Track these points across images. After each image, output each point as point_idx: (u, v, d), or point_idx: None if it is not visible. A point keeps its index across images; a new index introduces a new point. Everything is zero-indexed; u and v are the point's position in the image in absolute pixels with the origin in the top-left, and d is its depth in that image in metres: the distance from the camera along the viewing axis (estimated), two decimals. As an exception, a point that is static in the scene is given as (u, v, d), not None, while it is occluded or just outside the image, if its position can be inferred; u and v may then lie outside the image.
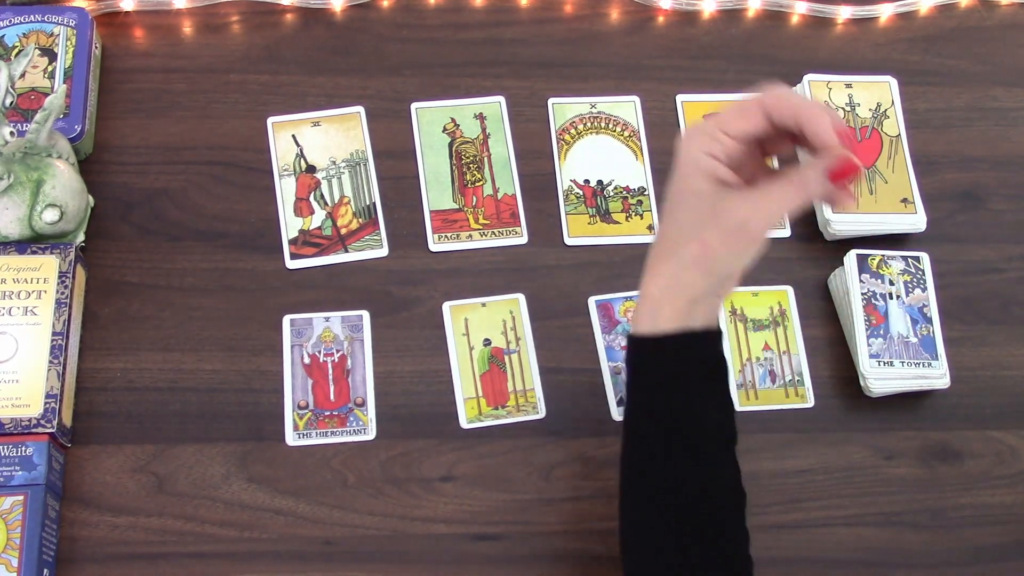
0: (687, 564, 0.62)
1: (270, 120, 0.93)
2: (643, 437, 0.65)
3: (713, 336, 0.64)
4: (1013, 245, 0.94)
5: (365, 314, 0.87)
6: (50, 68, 0.90)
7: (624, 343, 0.87)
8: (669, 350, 0.63)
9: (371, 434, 0.83)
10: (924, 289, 0.88)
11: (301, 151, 0.92)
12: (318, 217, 0.90)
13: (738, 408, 0.86)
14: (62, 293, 0.81)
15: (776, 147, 0.63)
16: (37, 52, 0.90)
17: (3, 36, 0.91)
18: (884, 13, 1.02)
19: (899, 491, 0.84)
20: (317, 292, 0.87)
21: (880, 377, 0.84)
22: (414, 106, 0.94)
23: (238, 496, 0.80)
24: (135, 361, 0.84)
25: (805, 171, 0.60)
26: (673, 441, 0.63)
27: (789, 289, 0.90)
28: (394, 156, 0.92)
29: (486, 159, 0.93)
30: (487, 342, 0.86)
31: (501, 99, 0.95)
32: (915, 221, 0.91)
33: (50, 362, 0.79)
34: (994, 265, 0.93)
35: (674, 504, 0.63)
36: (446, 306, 0.87)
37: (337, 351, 0.85)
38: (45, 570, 0.74)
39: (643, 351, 0.64)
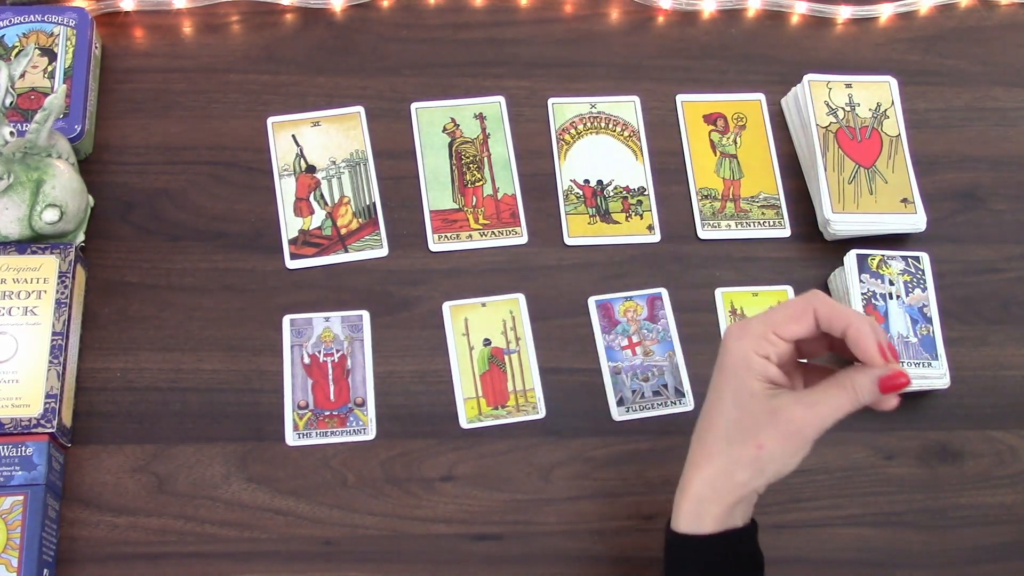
0: None
1: (270, 120, 0.93)
2: None
3: (752, 531, 0.65)
4: (1013, 245, 0.94)
5: (365, 314, 0.87)
6: (50, 68, 0.90)
7: (623, 343, 0.87)
8: (711, 550, 0.64)
9: (371, 434, 0.83)
10: (924, 289, 0.88)
11: (301, 151, 0.92)
12: (318, 217, 0.90)
13: (738, 408, 0.86)
14: (62, 293, 0.81)
15: (812, 349, 0.65)
16: (37, 52, 0.90)
17: (3, 36, 0.91)
18: (884, 13, 1.02)
19: (899, 491, 0.84)
20: (317, 292, 0.87)
21: (880, 377, 0.84)
22: (414, 106, 0.94)
23: (238, 496, 0.80)
24: (135, 361, 0.84)
25: (857, 377, 0.61)
26: None
27: (789, 289, 0.90)
28: (394, 156, 0.92)
29: (486, 159, 0.93)
30: (487, 342, 0.86)
31: (501, 99, 0.95)
32: (915, 221, 0.91)
33: (50, 362, 0.79)
34: (994, 265, 0.93)
35: None
36: (446, 306, 0.87)
37: (337, 351, 0.85)
38: (45, 570, 0.74)
39: (684, 548, 0.65)
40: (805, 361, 0.66)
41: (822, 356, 0.66)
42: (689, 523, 0.64)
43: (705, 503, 0.63)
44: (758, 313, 0.64)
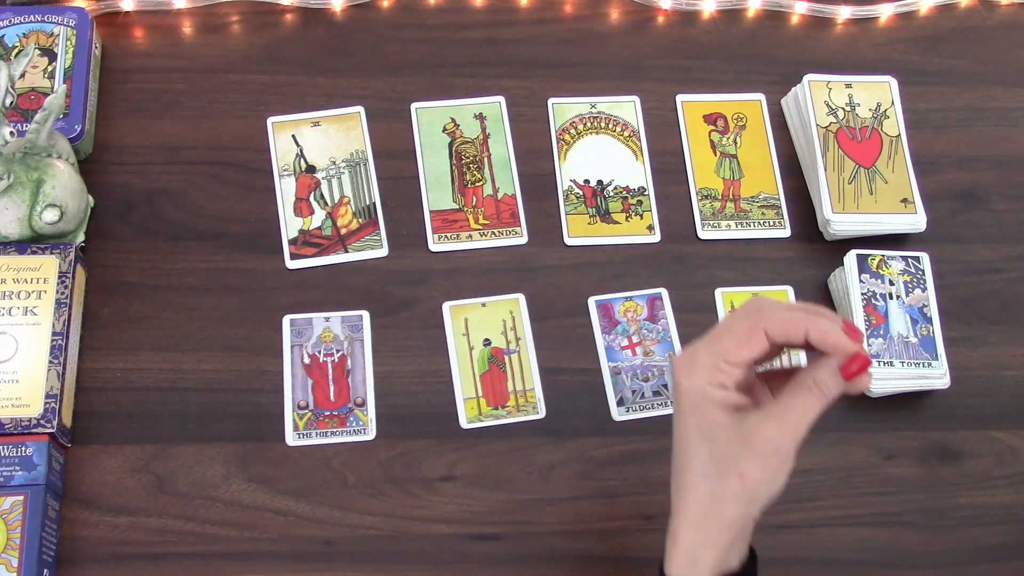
0: None
1: (270, 120, 0.93)
2: None
3: (750, 569, 0.62)
4: (1013, 245, 0.94)
5: (365, 314, 0.87)
6: (50, 68, 0.90)
7: (623, 343, 0.87)
8: None
9: (371, 434, 0.83)
10: (924, 289, 0.88)
11: (301, 151, 0.92)
12: (318, 217, 0.90)
13: (738, 408, 0.86)
14: (62, 293, 0.81)
15: (766, 356, 0.61)
16: (37, 52, 0.90)
17: (3, 36, 0.91)
18: (884, 13, 1.02)
19: (899, 491, 0.84)
20: (317, 292, 0.87)
21: (880, 377, 0.84)
22: (414, 106, 0.94)
23: (238, 496, 0.80)
24: (135, 361, 0.84)
25: (818, 374, 0.59)
26: None
27: (789, 289, 0.90)
28: (394, 156, 0.92)
29: (486, 159, 0.93)
30: (487, 342, 0.86)
31: (501, 99, 0.95)
32: (915, 221, 0.91)
33: (50, 362, 0.79)
34: (994, 265, 0.93)
35: None
36: (446, 306, 0.87)
37: (337, 351, 0.85)
38: (45, 570, 0.74)
39: None
40: (762, 369, 0.63)
41: (773, 359, 0.62)
42: (683, 570, 0.60)
43: (699, 551, 0.60)
44: (702, 340, 0.61)
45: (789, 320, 0.59)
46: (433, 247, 0.89)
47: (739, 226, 0.92)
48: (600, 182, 0.93)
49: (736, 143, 0.96)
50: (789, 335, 0.59)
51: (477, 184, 0.92)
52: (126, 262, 0.87)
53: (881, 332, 0.85)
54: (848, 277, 0.87)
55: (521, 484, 0.82)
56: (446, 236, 0.90)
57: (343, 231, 0.89)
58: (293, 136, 0.92)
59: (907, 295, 0.87)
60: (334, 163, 0.92)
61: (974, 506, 0.84)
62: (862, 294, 0.86)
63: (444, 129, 0.94)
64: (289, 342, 0.85)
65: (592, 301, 0.89)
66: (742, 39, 1.00)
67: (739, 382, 0.60)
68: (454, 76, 0.96)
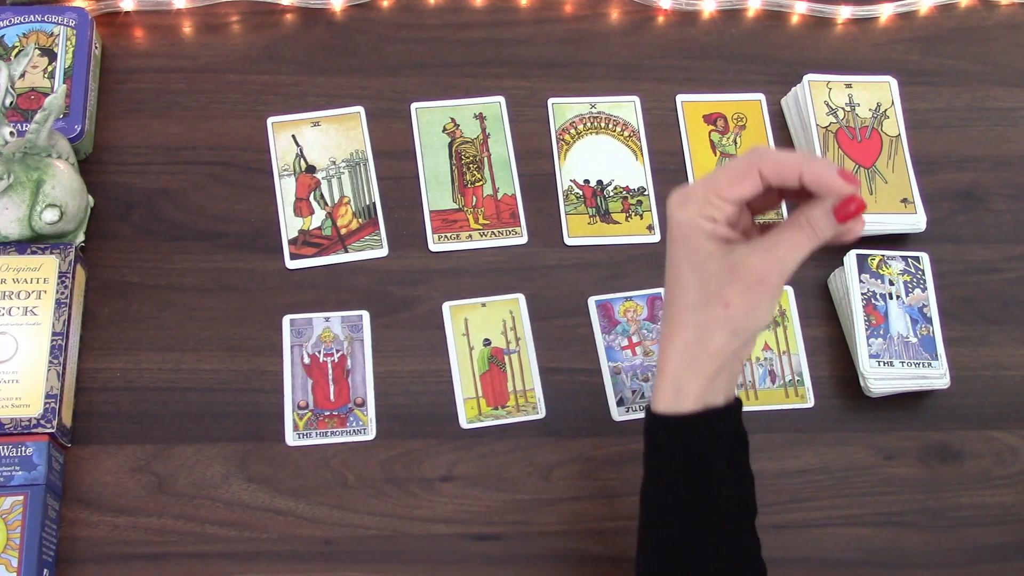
0: None
1: (270, 120, 0.93)
2: (662, 512, 0.63)
3: (735, 410, 0.63)
4: (1013, 245, 0.94)
5: (365, 314, 0.87)
6: (50, 68, 0.90)
7: (623, 343, 0.87)
8: (693, 430, 0.62)
9: (371, 434, 0.83)
10: (924, 289, 0.88)
11: (301, 151, 0.92)
12: (318, 217, 0.90)
13: (738, 408, 0.86)
14: (62, 293, 0.81)
15: (763, 205, 0.63)
16: (37, 52, 0.90)
17: (3, 36, 0.91)
18: (884, 13, 1.02)
19: (899, 491, 0.84)
20: (317, 292, 0.87)
21: (880, 377, 0.84)
22: (414, 106, 0.94)
23: (238, 496, 0.80)
24: (135, 361, 0.84)
25: (812, 213, 0.59)
26: (693, 517, 0.62)
27: (789, 289, 0.90)
28: (394, 156, 0.92)
29: (486, 159, 0.93)
30: (487, 342, 0.86)
31: (501, 99, 0.95)
32: (915, 221, 0.91)
33: (50, 362, 0.79)
34: (994, 265, 0.93)
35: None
36: (446, 306, 0.87)
37: (337, 351, 0.85)
38: (45, 570, 0.74)
39: (665, 430, 0.63)
40: (761, 221, 0.64)
41: (775, 208, 0.64)
42: (668, 402, 0.62)
43: (683, 379, 0.61)
44: (700, 177, 0.61)
45: (784, 160, 0.59)
46: (433, 247, 0.89)
47: (739, 226, 0.92)
48: (600, 182, 0.93)
49: (736, 143, 0.96)
50: (783, 175, 0.59)
51: (477, 184, 0.92)
52: (126, 262, 0.87)
53: (881, 332, 0.85)
54: (848, 277, 0.87)
55: (521, 484, 0.82)
56: (446, 236, 0.90)
57: (343, 231, 0.89)
58: (293, 136, 0.92)
59: (907, 295, 0.87)
60: (334, 163, 0.92)
61: (974, 506, 0.84)
62: (862, 294, 0.86)
63: (444, 129, 0.94)
64: (289, 342, 0.85)
65: (592, 301, 0.89)
66: (742, 39, 1.00)
67: (731, 219, 0.60)
68: (454, 76, 0.96)
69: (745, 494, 0.63)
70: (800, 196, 0.60)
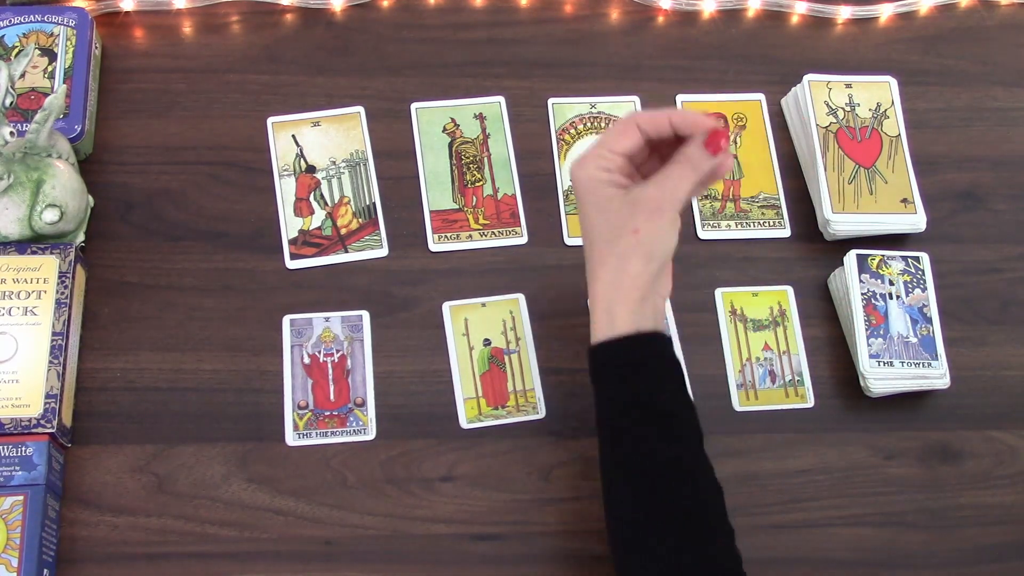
0: (675, 551, 0.66)
1: (270, 120, 0.93)
2: (618, 434, 0.70)
3: (665, 338, 0.71)
4: (1013, 245, 0.94)
5: (365, 314, 0.87)
6: (50, 68, 0.90)
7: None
8: (629, 349, 0.70)
9: (371, 434, 0.83)
10: (924, 289, 0.88)
11: (301, 151, 0.92)
12: (318, 217, 0.90)
13: (738, 408, 0.86)
14: (62, 293, 0.81)
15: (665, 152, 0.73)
16: (37, 52, 0.90)
17: (3, 36, 0.91)
18: (884, 13, 1.02)
19: (899, 491, 0.84)
20: (317, 292, 0.87)
21: (880, 377, 0.84)
22: (414, 106, 0.94)
23: (238, 496, 0.80)
24: (135, 361, 0.84)
25: (688, 150, 0.70)
26: (648, 427, 0.69)
27: (789, 289, 0.90)
28: (394, 156, 0.92)
29: (486, 159, 0.93)
30: (487, 342, 0.86)
31: (501, 99, 0.95)
32: (915, 221, 0.91)
33: (50, 362, 0.79)
34: (994, 265, 0.93)
35: (659, 488, 0.67)
36: (446, 306, 0.87)
37: (337, 351, 0.85)
38: (45, 570, 0.74)
39: (604, 355, 0.71)
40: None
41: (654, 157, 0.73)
42: (603, 330, 0.70)
43: (614, 307, 0.70)
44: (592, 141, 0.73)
45: (655, 113, 0.71)
46: (433, 247, 0.89)
47: (739, 226, 0.92)
48: (600, 182, 0.93)
49: (736, 143, 0.96)
50: (657, 124, 0.71)
51: (477, 184, 0.92)
52: (126, 262, 0.87)
53: (881, 332, 0.85)
54: (848, 277, 0.87)
55: (521, 484, 0.82)
56: (446, 236, 0.90)
57: (343, 231, 0.89)
58: (293, 136, 0.92)
59: (907, 295, 0.87)
60: (334, 163, 0.92)
61: (974, 506, 0.84)
62: (862, 294, 0.86)
63: (444, 129, 0.94)
64: (289, 342, 0.85)
65: (592, 301, 0.88)
66: (742, 39, 1.00)
67: (622, 170, 0.71)
68: (454, 76, 0.96)
69: (690, 415, 0.70)
70: (673, 140, 0.72)
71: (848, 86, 0.95)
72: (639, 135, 0.71)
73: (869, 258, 0.88)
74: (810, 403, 0.86)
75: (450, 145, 0.93)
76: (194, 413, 0.82)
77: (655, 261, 0.70)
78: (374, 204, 0.90)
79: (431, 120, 0.94)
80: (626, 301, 0.70)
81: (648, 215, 0.69)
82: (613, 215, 0.70)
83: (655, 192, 0.70)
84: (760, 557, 0.80)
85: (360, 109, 0.93)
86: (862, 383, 0.86)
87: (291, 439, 0.82)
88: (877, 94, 0.95)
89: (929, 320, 0.86)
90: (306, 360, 0.85)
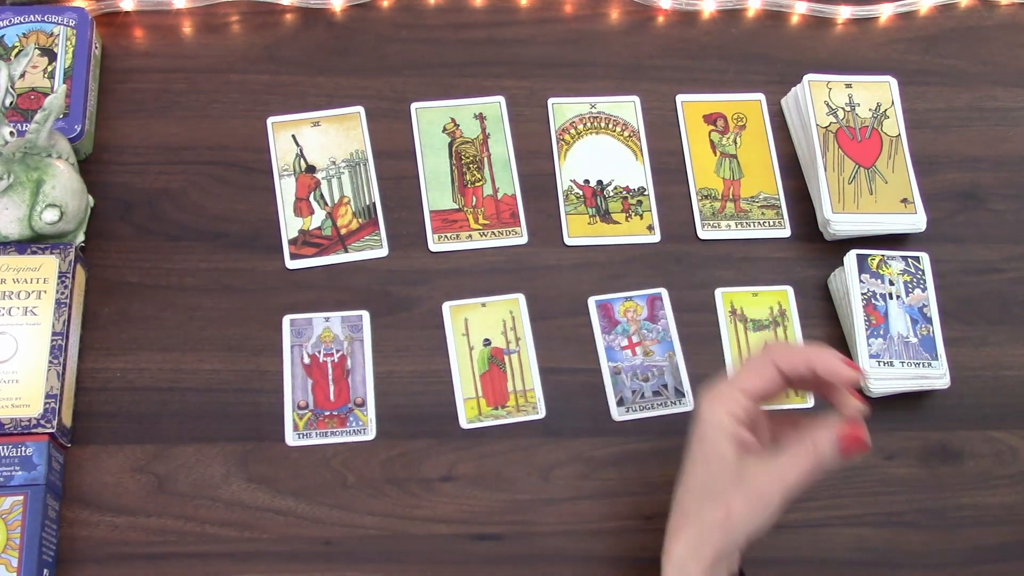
0: None
1: (270, 120, 0.93)
2: None
3: None
4: (1013, 245, 0.94)
5: (365, 314, 0.87)
6: (50, 68, 0.90)
7: (623, 343, 0.87)
8: None
9: (371, 434, 0.83)
10: (924, 289, 0.88)
11: (301, 151, 0.92)
12: (318, 217, 0.90)
13: (738, 408, 0.86)
14: (62, 293, 0.81)
15: (773, 393, 0.69)
16: (37, 52, 0.90)
17: (3, 36, 0.91)
18: (884, 13, 1.02)
19: (899, 491, 0.84)
20: (317, 292, 0.87)
21: (880, 377, 0.84)
22: (414, 106, 0.94)
23: (238, 496, 0.80)
24: (135, 361, 0.84)
25: (817, 434, 0.66)
26: None
27: (789, 289, 0.90)
28: (394, 156, 0.92)
29: (486, 159, 0.93)
30: (487, 342, 0.86)
31: (501, 99, 0.95)
32: (915, 221, 0.91)
33: (50, 362, 0.79)
34: (994, 265, 0.93)
35: None
36: (446, 306, 0.87)
37: (337, 351, 0.85)
38: (45, 570, 0.74)
39: None
40: (767, 407, 0.70)
41: (783, 395, 0.70)
42: None
43: (686, 564, 0.65)
44: (725, 378, 0.68)
45: (793, 352, 0.67)
46: (433, 247, 0.89)
47: (739, 226, 0.92)
48: (600, 182, 0.93)
49: (736, 143, 0.96)
50: (793, 362, 0.67)
51: (477, 184, 0.92)
52: (126, 262, 0.87)
53: (881, 332, 0.85)
54: (848, 277, 0.87)
55: (521, 484, 0.82)
56: (446, 236, 0.90)
57: (343, 231, 0.89)
58: (293, 136, 0.92)
59: (907, 295, 0.87)
60: (334, 163, 0.92)
61: (974, 506, 0.84)
62: (862, 294, 0.86)
63: (444, 129, 0.94)
64: (289, 342, 0.85)
65: (592, 301, 0.89)
66: (742, 39, 1.00)
67: (751, 414, 0.67)
68: (454, 76, 0.96)
69: None
70: (807, 385, 0.69)
71: (848, 86, 0.95)
72: (775, 374, 0.67)
73: (869, 258, 0.88)
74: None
75: (450, 145, 0.93)
76: (194, 413, 0.82)
77: (739, 536, 0.65)
78: (374, 204, 0.90)
79: (431, 120, 0.94)
80: (700, 563, 0.65)
81: (748, 500, 0.65)
82: (716, 476, 0.65)
83: (766, 479, 0.65)
84: (760, 557, 0.80)
85: (360, 109, 0.93)
86: (862, 383, 0.86)
87: (291, 439, 0.82)
88: (877, 94, 0.95)
89: (929, 320, 0.86)
90: (306, 360, 0.85)
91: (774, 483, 0.65)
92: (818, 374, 0.66)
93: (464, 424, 0.84)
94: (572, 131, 0.95)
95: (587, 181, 0.93)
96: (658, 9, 1.01)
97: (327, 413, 0.83)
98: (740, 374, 0.68)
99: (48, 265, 0.82)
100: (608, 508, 0.82)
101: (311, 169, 0.91)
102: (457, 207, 0.91)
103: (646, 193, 0.93)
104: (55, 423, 0.77)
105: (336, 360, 0.85)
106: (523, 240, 0.90)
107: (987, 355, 0.89)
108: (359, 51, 0.96)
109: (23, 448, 0.76)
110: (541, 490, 0.82)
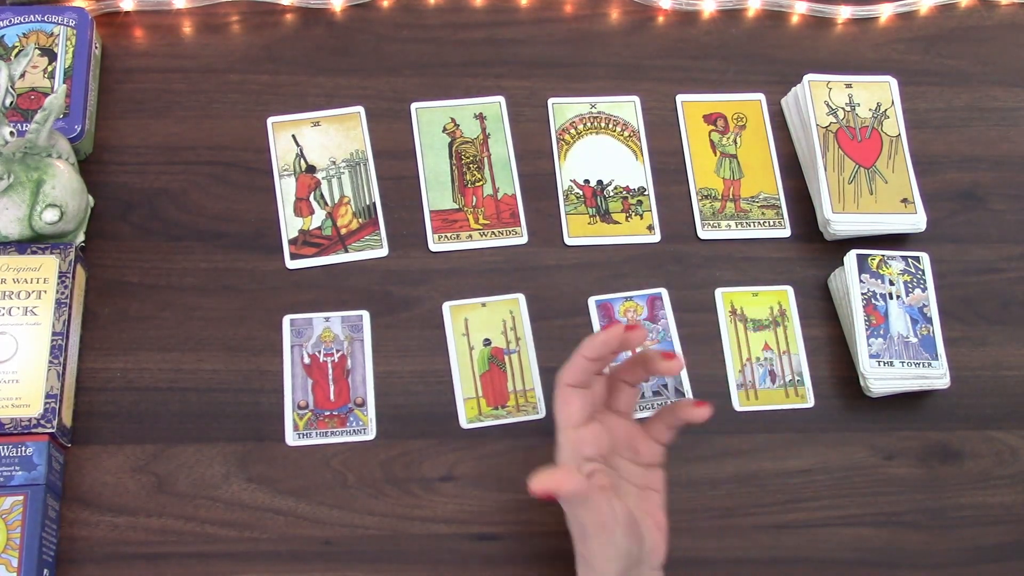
0: None
1: (270, 120, 0.93)
2: None
3: None
4: (1013, 245, 0.94)
5: (365, 314, 0.87)
6: (50, 68, 0.90)
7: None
8: None
9: (371, 434, 0.83)
10: (924, 289, 0.88)
11: (301, 151, 0.92)
12: (318, 217, 0.90)
13: (738, 408, 0.86)
14: (62, 293, 0.81)
15: (633, 377, 0.74)
16: (37, 52, 0.90)
17: (3, 36, 0.91)
18: (884, 13, 1.02)
19: (899, 491, 0.84)
20: (317, 292, 0.87)
21: (880, 377, 0.84)
22: (414, 106, 0.94)
23: (238, 496, 0.80)
24: (135, 361, 0.84)
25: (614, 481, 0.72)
26: None
27: (789, 289, 0.90)
28: (394, 156, 0.92)
29: (486, 159, 0.93)
30: (487, 342, 0.86)
31: (501, 99, 0.95)
32: (915, 221, 0.91)
33: (50, 362, 0.79)
34: (994, 265, 0.93)
35: None
36: (446, 306, 0.87)
37: (337, 351, 0.85)
38: (45, 570, 0.74)
39: None
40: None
41: (642, 378, 0.75)
42: None
43: None
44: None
45: (575, 361, 0.71)
46: (433, 247, 0.89)
47: (739, 226, 0.92)
48: (600, 182, 0.93)
49: (736, 143, 0.96)
50: (576, 375, 0.72)
51: (477, 184, 0.92)
52: (126, 262, 0.87)
53: (881, 332, 0.85)
54: (848, 277, 0.87)
55: (521, 484, 0.82)
56: (446, 236, 0.90)
57: (343, 231, 0.89)
58: (293, 136, 0.92)
59: (907, 295, 0.87)
60: (334, 163, 0.92)
61: (974, 506, 0.84)
62: (862, 294, 0.86)
63: (444, 129, 0.94)
64: (289, 342, 0.85)
65: (592, 301, 0.89)
66: (742, 39, 1.00)
67: (586, 407, 0.72)
68: (454, 76, 0.96)
69: None
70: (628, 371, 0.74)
71: (848, 86, 0.95)
72: (585, 363, 0.71)
73: (869, 258, 0.88)
74: (810, 403, 0.86)
75: (450, 145, 0.93)
76: (194, 413, 0.82)
77: (617, 565, 0.68)
78: (374, 204, 0.90)
79: (431, 120, 0.94)
80: None
81: (579, 537, 0.69)
82: (574, 523, 0.69)
83: (580, 518, 0.68)
84: (760, 557, 0.80)
85: (360, 109, 0.93)
86: (862, 383, 0.86)
87: (291, 439, 0.82)
88: (877, 94, 0.95)
89: (929, 320, 0.86)
90: (306, 360, 0.85)
91: (585, 520, 0.68)
92: (607, 353, 0.70)
93: (464, 424, 0.84)
94: (572, 131, 0.95)
95: (587, 181, 0.93)
96: (658, 9, 1.01)
97: (327, 413, 0.83)
98: (557, 413, 0.72)
99: (48, 265, 0.82)
100: (608, 508, 0.82)
101: (311, 169, 0.91)
102: (457, 207, 0.91)
103: (646, 193, 0.93)
104: (55, 423, 0.77)
105: (336, 360, 0.85)
106: (523, 240, 0.90)
107: (987, 355, 0.89)
108: (359, 51, 0.96)
109: (23, 448, 0.76)
110: (541, 490, 0.82)
